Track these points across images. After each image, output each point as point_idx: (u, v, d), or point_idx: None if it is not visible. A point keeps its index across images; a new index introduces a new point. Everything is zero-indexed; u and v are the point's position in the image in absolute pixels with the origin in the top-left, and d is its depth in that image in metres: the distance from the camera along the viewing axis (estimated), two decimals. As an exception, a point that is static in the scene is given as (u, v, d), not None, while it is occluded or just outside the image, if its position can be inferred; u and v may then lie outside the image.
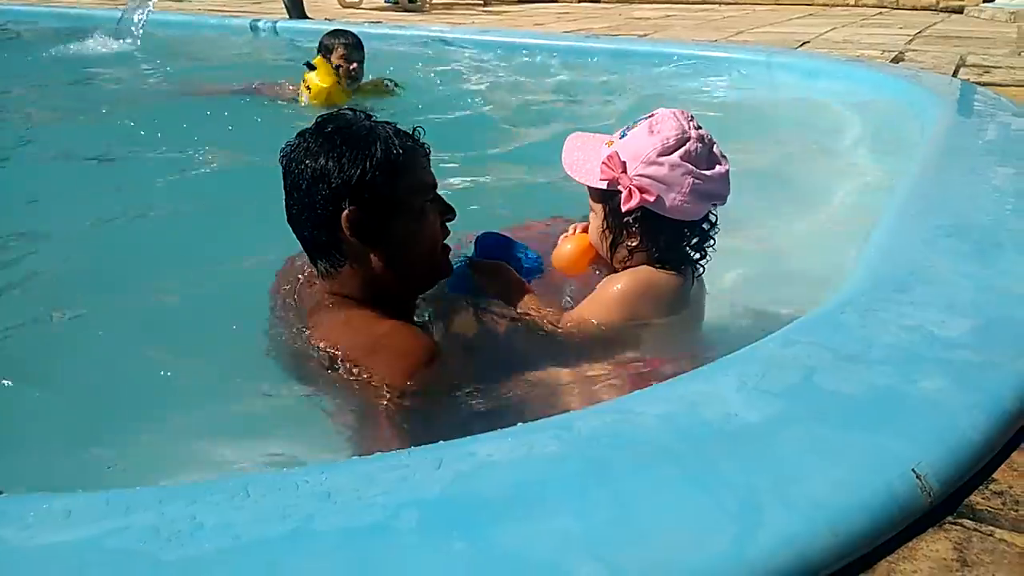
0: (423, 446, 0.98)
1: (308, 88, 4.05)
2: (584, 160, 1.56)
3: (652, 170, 1.47)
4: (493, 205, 2.63)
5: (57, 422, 1.43)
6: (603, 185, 1.51)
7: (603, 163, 1.50)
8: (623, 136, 1.52)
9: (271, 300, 1.61)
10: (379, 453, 0.97)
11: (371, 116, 1.49)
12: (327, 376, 1.38)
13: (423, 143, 1.51)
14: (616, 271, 1.58)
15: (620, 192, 1.50)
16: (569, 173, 1.57)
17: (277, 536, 0.82)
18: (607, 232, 1.56)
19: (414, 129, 1.52)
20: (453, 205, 1.53)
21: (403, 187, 1.43)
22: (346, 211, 1.39)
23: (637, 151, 1.48)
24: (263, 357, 1.49)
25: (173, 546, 0.81)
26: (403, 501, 0.87)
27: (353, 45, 4.26)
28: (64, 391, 1.54)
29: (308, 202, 1.42)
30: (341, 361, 1.37)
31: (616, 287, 1.52)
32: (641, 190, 1.47)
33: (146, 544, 0.81)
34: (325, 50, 4.24)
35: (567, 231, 1.72)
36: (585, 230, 1.67)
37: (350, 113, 1.48)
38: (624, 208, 1.49)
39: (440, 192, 1.52)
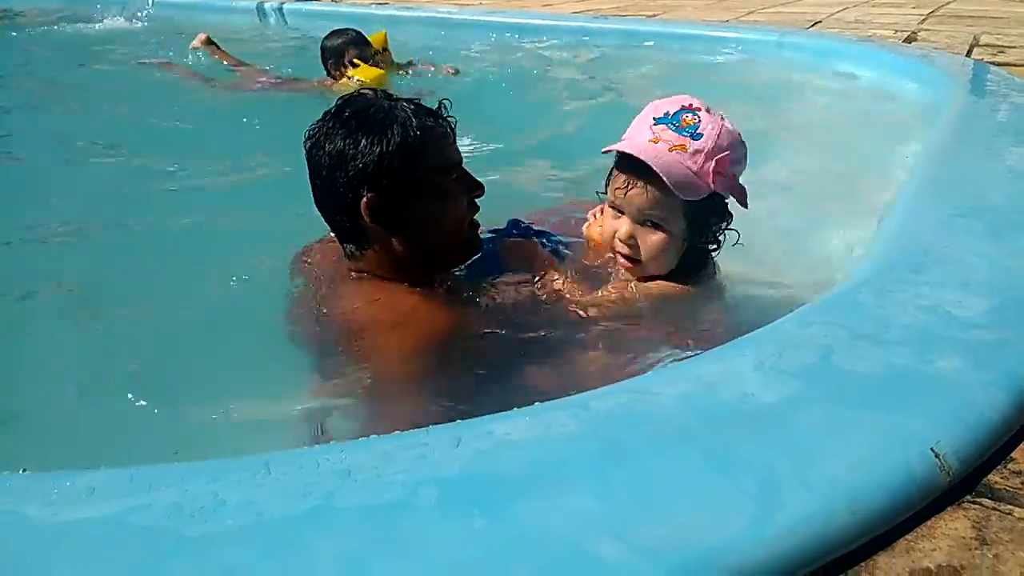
0: (441, 424, 0.99)
1: (360, 81, 3.96)
2: (682, 172, 1.42)
3: (740, 176, 1.50)
4: (509, 186, 2.62)
5: (79, 400, 1.44)
6: (706, 193, 1.43)
7: (714, 171, 1.41)
8: (697, 136, 1.42)
9: (291, 277, 1.62)
10: (397, 431, 0.98)
11: (391, 96, 1.46)
12: (349, 350, 1.38)
13: (446, 119, 1.47)
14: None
15: (712, 199, 1.45)
16: (675, 190, 1.42)
17: (298, 513, 0.83)
18: (682, 244, 1.49)
19: (440, 104, 1.48)
20: (480, 180, 1.51)
21: (423, 169, 1.41)
22: (364, 198, 1.39)
23: (734, 157, 1.45)
24: (285, 330, 1.50)
25: (196, 522, 0.81)
26: (422, 479, 0.88)
27: (359, 42, 4.18)
28: (86, 369, 1.55)
29: (329, 187, 1.42)
30: (363, 336, 1.37)
31: (652, 292, 1.51)
32: (741, 196, 1.49)
33: (169, 520, 0.82)
34: (336, 55, 4.13)
35: (588, 220, 1.69)
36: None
37: (370, 94, 1.46)
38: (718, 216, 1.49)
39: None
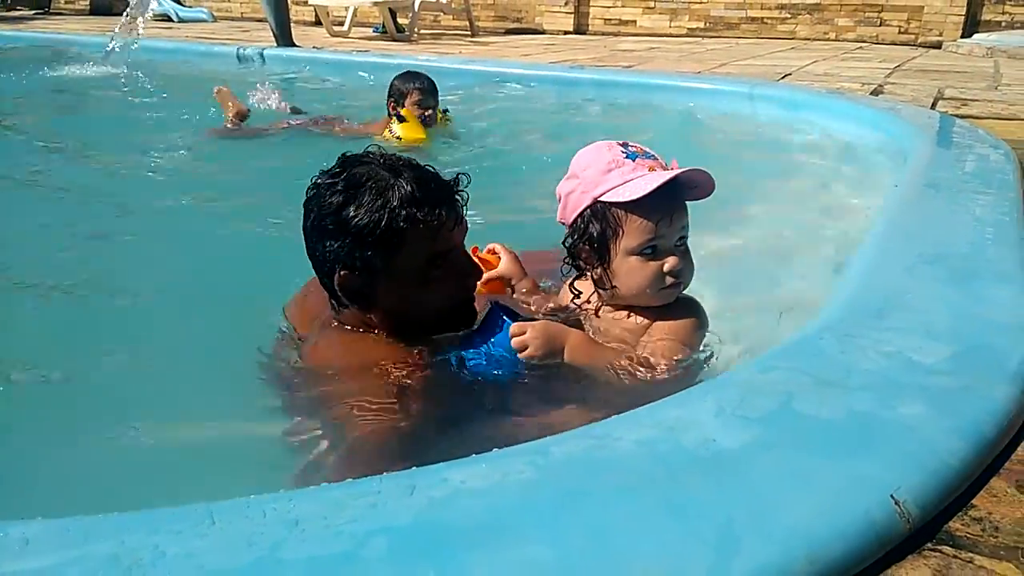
0: (395, 473, 0.96)
1: (398, 137, 3.76)
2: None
3: None
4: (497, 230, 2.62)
5: (15, 446, 1.40)
6: None
7: None
8: (654, 152, 1.50)
9: (285, 312, 1.61)
10: (351, 480, 0.95)
11: (400, 165, 1.39)
12: (315, 399, 1.36)
13: (455, 197, 1.40)
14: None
15: None
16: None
17: (242, 565, 0.80)
18: None
19: (456, 177, 1.43)
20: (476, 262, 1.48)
21: (402, 259, 1.36)
22: (337, 274, 1.38)
23: None
24: (253, 377, 1.47)
25: (133, 576, 0.78)
26: (372, 529, 0.85)
27: (428, 91, 4.02)
28: (23, 412, 1.50)
29: (311, 251, 1.42)
30: (330, 385, 1.35)
31: (690, 323, 1.52)
32: None
33: (105, 574, 0.78)
34: (398, 95, 3.99)
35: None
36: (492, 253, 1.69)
37: (374, 161, 1.39)
38: None
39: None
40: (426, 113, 3.99)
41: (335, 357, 1.42)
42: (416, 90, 3.98)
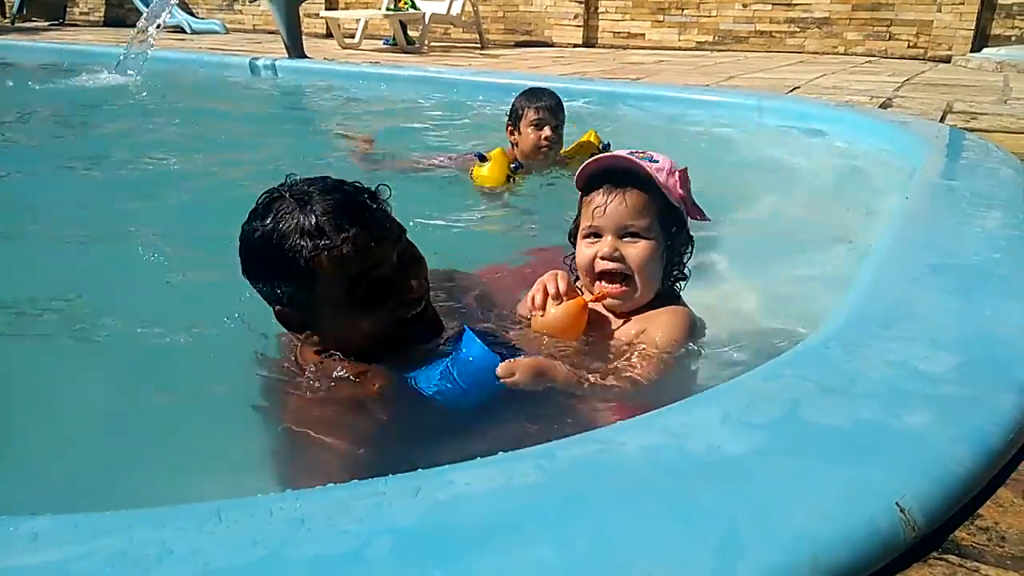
0: (400, 474, 0.97)
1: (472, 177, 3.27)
2: (660, 176, 1.52)
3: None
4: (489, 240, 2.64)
5: (27, 444, 1.41)
6: (677, 204, 1.55)
7: (677, 181, 1.55)
8: (653, 160, 1.54)
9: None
10: (354, 481, 0.96)
11: (311, 189, 1.35)
12: (295, 414, 1.39)
13: (371, 213, 1.36)
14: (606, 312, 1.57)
15: (680, 213, 1.57)
16: (658, 185, 1.50)
17: (247, 563, 0.81)
18: (662, 256, 1.55)
19: (377, 187, 1.41)
20: (411, 279, 1.41)
21: (321, 289, 1.35)
22: (274, 311, 1.43)
23: (688, 176, 1.57)
24: (245, 389, 1.48)
25: (140, 572, 0.79)
26: (377, 529, 0.86)
27: (548, 109, 3.30)
28: (36, 412, 1.52)
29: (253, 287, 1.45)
30: (306, 399, 1.39)
31: (673, 333, 1.51)
32: (701, 212, 1.61)
33: (113, 569, 0.79)
34: (515, 117, 3.36)
35: (554, 292, 1.54)
36: (566, 286, 1.54)
37: (284, 195, 1.35)
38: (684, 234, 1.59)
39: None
40: (543, 137, 3.29)
41: (309, 375, 1.44)
42: (533, 108, 3.30)
